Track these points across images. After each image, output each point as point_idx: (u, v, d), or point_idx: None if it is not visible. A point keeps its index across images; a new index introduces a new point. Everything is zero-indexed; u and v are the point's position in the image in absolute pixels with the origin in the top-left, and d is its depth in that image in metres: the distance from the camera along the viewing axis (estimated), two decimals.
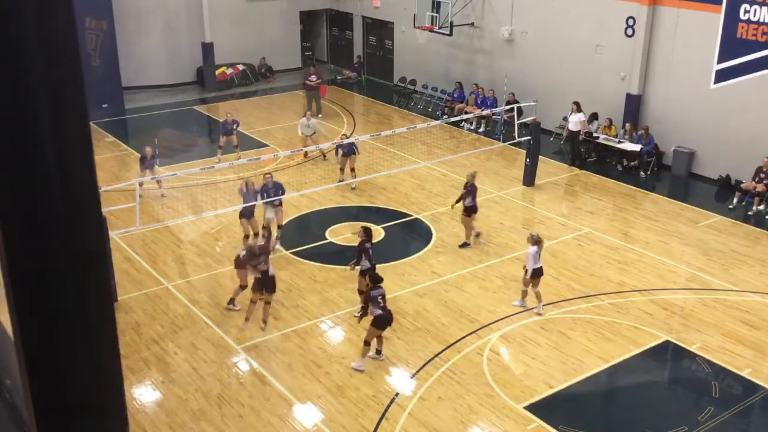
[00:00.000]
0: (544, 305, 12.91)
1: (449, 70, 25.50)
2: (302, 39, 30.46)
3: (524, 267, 13.14)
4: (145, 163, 17.49)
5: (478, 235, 15.52)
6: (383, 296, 11.13)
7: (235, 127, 19.88)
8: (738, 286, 13.98)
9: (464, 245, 15.26)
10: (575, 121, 19.88)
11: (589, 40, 21.12)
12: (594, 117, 20.63)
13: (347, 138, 19.28)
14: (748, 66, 17.78)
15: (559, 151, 21.28)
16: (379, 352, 11.53)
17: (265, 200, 14.87)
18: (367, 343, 11.26)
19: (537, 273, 12.82)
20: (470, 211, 15.12)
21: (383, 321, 11.13)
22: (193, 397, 10.72)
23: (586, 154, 20.44)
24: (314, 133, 19.88)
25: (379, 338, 11.45)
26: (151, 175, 17.44)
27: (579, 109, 19.93)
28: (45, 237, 1.40)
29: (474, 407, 10.54)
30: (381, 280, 11.35)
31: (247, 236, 14.77)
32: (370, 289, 11.16)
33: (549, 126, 21.79)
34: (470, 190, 15.04)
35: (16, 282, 1.41)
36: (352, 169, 18.01)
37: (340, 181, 18.07)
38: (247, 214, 14.82)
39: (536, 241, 12.70)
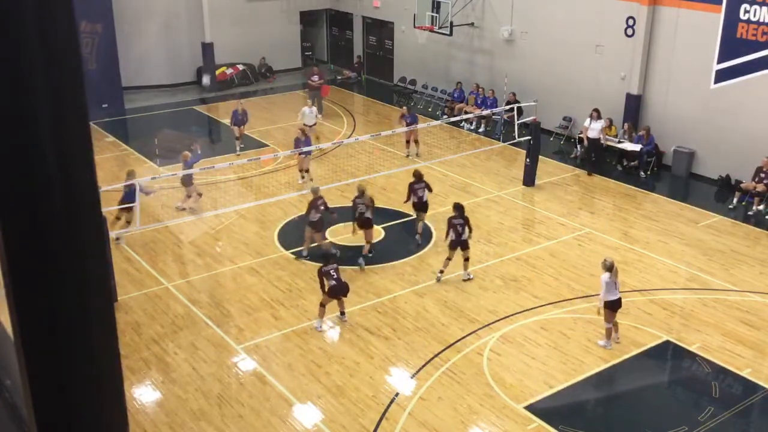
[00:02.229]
0: (542, 305, 12.90)
1: (449, 70, 25.51)
2: (302, 39, 30.46)
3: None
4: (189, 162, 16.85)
5: (307, 254, 14.77)
6: (336, 269, 12.28)
7: (244, 118, 20.70)
8: (738, 286, 13.98)
9: (299, 255, 14.76)
10: (596, 129, 19.44)
11: (589, 40, 21.12)
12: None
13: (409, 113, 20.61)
14: (748, 66, 17.78)
15: (559, 150, 21.29)
16: (342, 313, 12.59)
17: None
18: (322, 305, 12.41)
19: (613, 305, 11.66)
20: (316, 226, 14.56)
21: (335, 290, 12.26)
22: (193, 397, 10.72)
23: (587, 154, 20.41)
24: (315, 123, 20.49)
25: (340, 302, 12.50)
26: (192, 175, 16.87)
27: (599, 116, 19.54)
28: (45, 237, 1.40)
29: (474, 407, 10.54)
30: (333, 256, 12.67)
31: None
32: (323, 266, 12.33)
33: (549, 126, 21.80)
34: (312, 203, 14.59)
35: (16, 282, 1.41)
36: (416, 141, 20.32)
37: (407, 156, 20.29)
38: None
39: (608, 267, 11.58)
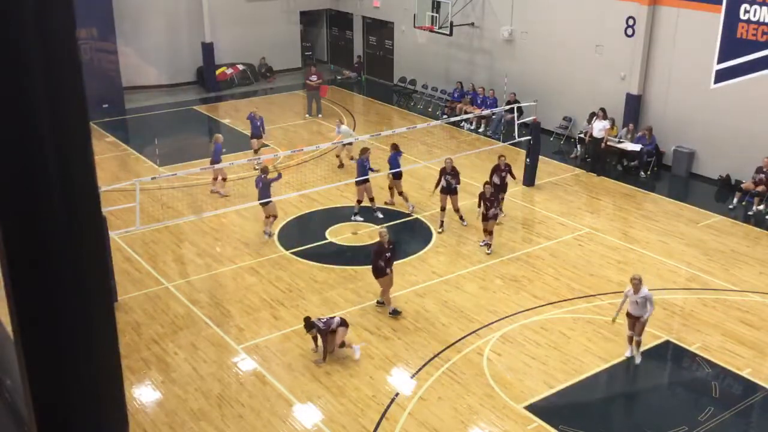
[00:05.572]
0: (542, 305, 12.89)
1: (449, 70, 25.50)
2: (302, 39, 30.46)
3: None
4: (216, 155, 17.26)
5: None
6: None
7: (261, 128, 19.92)
8: (738, 286, 13.98)
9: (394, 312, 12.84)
10: (600, 128, 19.43)
11: (589, 40, 21.11)
12: (594, 117, 20.62)
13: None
14: (748, 66, 17.77)
15: (559, 150, 21.29)
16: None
17: None
18: None
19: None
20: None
21: None
22: (193, 397, 10.72)
23: (586, 154, 20.42)
24: (350, 143, 18.92)
25: None
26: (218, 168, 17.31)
27: (605, 116, 19.55)
28: (45, 237, 1.40)
29: (474, 407, 10.54)
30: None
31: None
32: None
33: (549, 126, 21.79)
34: None
35: (16, 282, 1.41)
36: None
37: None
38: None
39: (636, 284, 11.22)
